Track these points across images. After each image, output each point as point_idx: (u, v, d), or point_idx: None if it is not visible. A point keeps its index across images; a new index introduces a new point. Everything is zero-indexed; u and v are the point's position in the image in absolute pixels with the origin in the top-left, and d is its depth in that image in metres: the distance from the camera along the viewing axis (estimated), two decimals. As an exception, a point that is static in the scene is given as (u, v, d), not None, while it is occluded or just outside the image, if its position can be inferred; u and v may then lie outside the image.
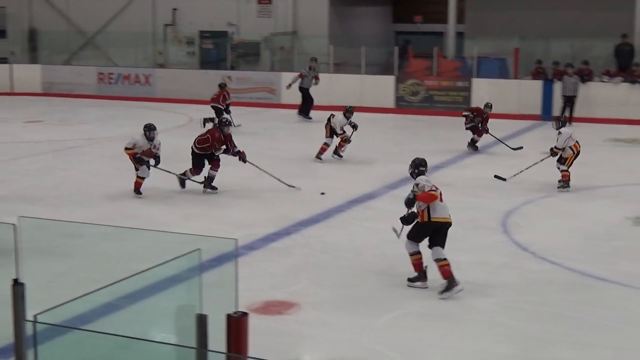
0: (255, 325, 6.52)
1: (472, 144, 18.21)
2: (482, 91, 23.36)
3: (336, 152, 17.18)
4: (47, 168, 16.33)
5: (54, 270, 9.62)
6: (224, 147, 14.33)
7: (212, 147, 14.21)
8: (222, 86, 21.44)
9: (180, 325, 6.05)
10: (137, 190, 13.86)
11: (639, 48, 23.60)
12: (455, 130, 19.36)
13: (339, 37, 27.13)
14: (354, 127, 17.14)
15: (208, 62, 28.51)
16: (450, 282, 9.20)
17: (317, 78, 23.03)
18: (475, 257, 10.68)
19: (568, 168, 14.26)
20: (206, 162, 14.34)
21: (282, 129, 21.70)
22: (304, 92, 23.15)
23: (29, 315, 5.17)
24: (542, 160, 14.76)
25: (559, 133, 14.30)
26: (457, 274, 9.90)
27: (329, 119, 17.10)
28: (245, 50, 28.00)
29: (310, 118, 22.75)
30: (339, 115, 17.10)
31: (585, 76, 22.64)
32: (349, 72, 25.46)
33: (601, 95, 22.50)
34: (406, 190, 14.25)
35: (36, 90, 28.24)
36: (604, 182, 14.99)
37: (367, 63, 24.92)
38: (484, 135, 18.06)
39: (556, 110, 22.38)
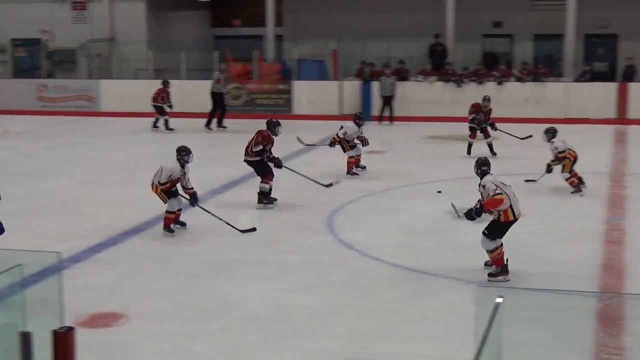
0: (83, 339, 6.37)
1: (469, 148, 17.48)
2: (303, 93, 23.68)
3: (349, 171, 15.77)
4: None
5: None
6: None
7: (264, 151, 13.27)
8: (165, 84, 21.65)
9: (3, 345, 5.84)
10: (168, 227, 11.83)
11: (452, 48, 24.49)
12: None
13: (158, 42, 26.88)
14: (364, 142, 15.80)
15: (21, 70, 27.59)
16: (503, 270, 9.63)
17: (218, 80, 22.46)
18: (302, 257, 10.78)
19: (570, 172, 14.00)
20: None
21: (102, 137, 21.27)
22: (218, 97, 22.32)
23: None
24: (542, 176, 14.57)
25: (552, 143, 14.01)
26: (283, 275, 10.00)
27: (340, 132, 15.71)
28: (61, 57, 27.27)
29: (225, 127, 22.07)
30: (347, 123, 15.98)
31: (402, 75, 23.30)
32: (170, 77, 25.23)
33: (417, 94, 23.22)
34: (232, 195, 14.34)
35: None
36: (422, 179, 15.44)
37: (188, 68, 24.77)
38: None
39: (375, 110, 22.91)
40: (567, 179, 14.04)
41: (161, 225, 11.94)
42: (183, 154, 11.90)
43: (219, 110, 22.14)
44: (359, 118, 15.93)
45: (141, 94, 24.06)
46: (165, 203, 11.80)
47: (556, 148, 14.00)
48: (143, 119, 22.84)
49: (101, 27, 27.43)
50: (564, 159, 13.99)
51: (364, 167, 16.15)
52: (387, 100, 22.71)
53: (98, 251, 11.12)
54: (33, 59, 27.64)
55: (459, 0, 24.29)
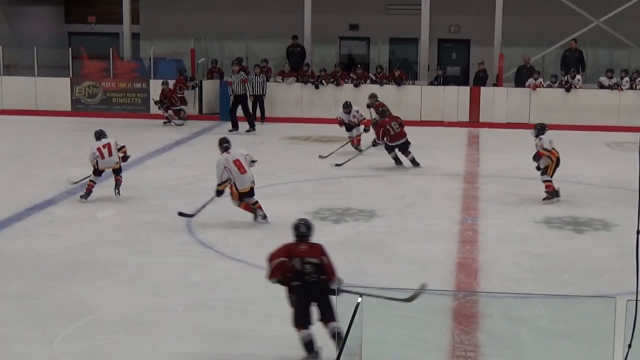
0: None
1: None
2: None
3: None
4: None
5: None
6: None
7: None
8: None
9: None
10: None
11: (309, 49, 24.67)
12: (136, 133, 19.21)
13: (7, 38, 26.01)
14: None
15: None
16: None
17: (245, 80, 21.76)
18: (161, 258, 10.64)
19: (551, 177, 13.71)
20: None
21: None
22: (243, 99, 21.53)
23: None
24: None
25: (540, 139, 13.62)
26: (142, 276, 9.85)
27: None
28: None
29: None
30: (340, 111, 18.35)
31: (267, 74, 23.27)
32: (21, 74, 24.48)
33: (277, 95, 23.26)
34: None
35: None
36: (280, 180, 15.49)
37: (40, 65, 24.09)
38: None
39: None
40: (544, 181, 13.71)
41: (12, 225, 11.60)
42: (225, 144, 12.16)
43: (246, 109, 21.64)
44: (346, 107, 18.32)
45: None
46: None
47: (542, 145, 13.56)
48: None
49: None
50: (547, 159, 13.64)
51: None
52: (258, 99, 22.51)
53: (-55, 254, 10.68)
54: None
55: (315, 2, 24.48)
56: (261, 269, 10.17)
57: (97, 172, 13.48)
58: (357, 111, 18.25)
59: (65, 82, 23.77)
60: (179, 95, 22.47)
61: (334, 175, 15.82)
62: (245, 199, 12.11)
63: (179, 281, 9.80)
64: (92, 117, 22.84)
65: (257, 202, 12.22)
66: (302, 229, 7.74)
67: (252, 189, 12.07)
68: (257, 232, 11.94)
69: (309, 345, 7.28)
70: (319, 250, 7.58)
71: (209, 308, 8.96)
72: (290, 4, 25.18)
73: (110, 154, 13.37)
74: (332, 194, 14.43)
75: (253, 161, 12.30)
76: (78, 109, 23.62)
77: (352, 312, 6.54)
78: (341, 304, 7.08)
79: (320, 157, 17.29)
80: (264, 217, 12.23)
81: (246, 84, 21.65)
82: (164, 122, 22.06)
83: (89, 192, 13.46)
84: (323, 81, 23.41)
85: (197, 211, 12.28)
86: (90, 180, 13.51)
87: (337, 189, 14.89)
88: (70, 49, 24.82)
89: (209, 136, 20.48)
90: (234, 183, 11.94)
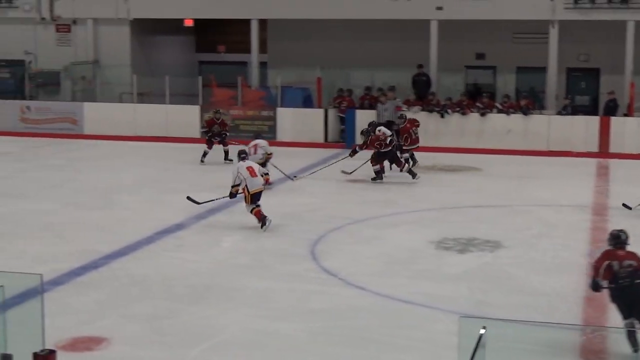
0: (64, 363, 6.32)
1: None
2: (287, 120, 23.71)
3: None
4: None
5: None
6: None
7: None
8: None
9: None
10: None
11: (435, 78, 24.61)
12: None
13: (142, 66, 26.85)
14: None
15: (4, 92, 27.48)
16: None
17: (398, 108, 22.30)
18: (285, 284, 10.76)
19: None
20: None
21: (84, 160, 21.17)
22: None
23: None
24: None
25: None
26: (265, 301, 9.98)
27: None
28: (45, 79, 27.20)
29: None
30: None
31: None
32: (154, 102, 25.23)
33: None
34: (215, 220, 14.31)
35: None
36: (405, 209, 15.45)
37: (172, 93, 24.77)
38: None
39: (360, 139, 22.89)
40: None
41: (142, 248, 11.95)
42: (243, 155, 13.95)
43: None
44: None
45: (124, 118, 24.06)
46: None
47: None
48: (126, 143, 22.85)
49: (85, 50, 27.38)
50: None
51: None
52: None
53: (79, 274, 11.05)
54: (16, 81, 27.56)
55: (442, 31, 24.44)
56: (384, 298, 10.22)
57: (234, 195, 13.80)
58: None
59: (195, 109, 24.36)
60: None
61: (459, 204, 15.69)
62: (256, 202, 13.44)
63: (302, 307, 9.89)
64: (220, 144, 23.28)
65: (255, 207, 13.51)
66: (623, 237, 8.68)
67: (261, 192, 13.56)
68: (380, 261, 11.95)
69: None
70: (636, 256, 8.45)
71: (331, 335, 9.01)
72: (416, 33, 25.20)
73: (255, 176, 13.61)
74: (457, 224, 14.32)
75: (266, 173, 14.29)
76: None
77: (475, 343, 6.47)
78: (463, 336, 7.01)
79: (343, 172, 18.18)
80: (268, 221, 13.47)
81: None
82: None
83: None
84: (448, 110, 23.30)
85: (205, 201, 14.35)
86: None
87: (462, 219, 14.77)
88: (200, 77, 25.44)
89: (334, 164, 20.64)
90: (246, 185, 13.35)
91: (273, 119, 24.05)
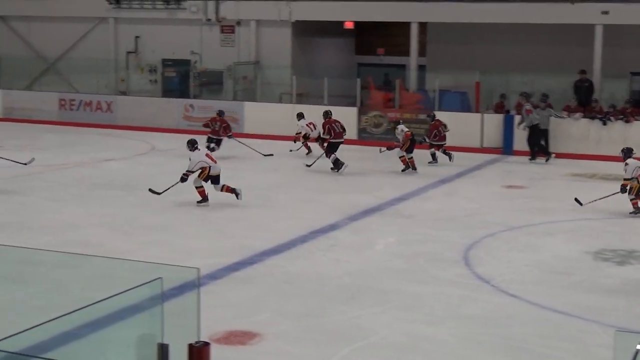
0: (217, 355, 6.46)
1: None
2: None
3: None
4: (6, 194, 16.13)
5: (11, 297, 9.48)
6: None
7: None
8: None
9: (141, 355, 5.98)
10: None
11: (598, 84, 23.91)
12: (418, 163, 19.46)
13: (301, 67, 27.22)
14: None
15: (170, 90, 28.44)
16: None
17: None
18: (436, 289, 10.69)
19: (636, 197, 15.02)
20: None
21: (244, 159, 21.58)
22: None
23: (-15, 343, 5.08)
24: (613, 194, 15.26)
25: (626, 164, 15.14)
26: (417, 305, 9.94)
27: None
28: (208, 79, 27.96)
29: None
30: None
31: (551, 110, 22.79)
32: (312, 102, 25.50)
33: (561, 130, 22.72)
34: (369, 222, 14.35)
35: (-5, 115, 28.01)
36: (563, 217, 15.09)
37: (330, 94, 25.00)
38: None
39: (518, 144, 22.52)
40: (632, 200, 15.06)
41: (297, 247, 12.11)
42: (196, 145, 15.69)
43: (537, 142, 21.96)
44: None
45: (283, 118, 24.43)
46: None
47: (626, 169, 15.09)
48: (284, 142, 23.19)
49: (248, 51, 27.99)
50: (634, 181, 14.92)
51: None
52: (543, 134, 22.14)
53: (236, 270, 11.31)
54: (182, 80, 28.47)
55: (607, 35, 23.73)
56: (538, 307, 10.00)
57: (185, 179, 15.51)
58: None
59: (353, 111, 24.50)
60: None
61: (619, 215, 15.19)
62: (215, 182, 15.34)
63: (453, 312, 9.80)
64: (377, 147, 23.35)
65: (224, 185, 15.44)
66: None
67: (219, 175, 15.36)
68: (535, 269, 11.70)
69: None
70: None
71: (482, 342, 8.89)
72: (579, 37, 24.57)
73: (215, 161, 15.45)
74: (618, 234, 13.89)
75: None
76: (364, 138, 24.25)
77: (631, 358, 6.25)
78: (619, 350, 6.78)
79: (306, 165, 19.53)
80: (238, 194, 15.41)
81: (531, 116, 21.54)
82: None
83: None
84: (611, 117, 22.60)
85: (164, 190, 15.45)
86: None
87: (623, 229, 14.30)
88: (358, 79, 25.57)
89: (490, 169, 20.39)
90: (209, 167, 15.20)
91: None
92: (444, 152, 20.87)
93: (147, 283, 6.15)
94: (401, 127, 19.82)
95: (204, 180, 15.28)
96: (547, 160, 21.40)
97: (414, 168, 19.28)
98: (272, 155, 20.70)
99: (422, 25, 26.68)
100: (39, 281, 10.04)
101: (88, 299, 6.21)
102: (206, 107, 25.82)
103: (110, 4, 29.14)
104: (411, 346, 8.68)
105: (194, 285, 7.93)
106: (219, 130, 21.09)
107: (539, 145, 21.79)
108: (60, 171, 18.56)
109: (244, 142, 21.13)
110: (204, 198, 15.29)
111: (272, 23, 27.54)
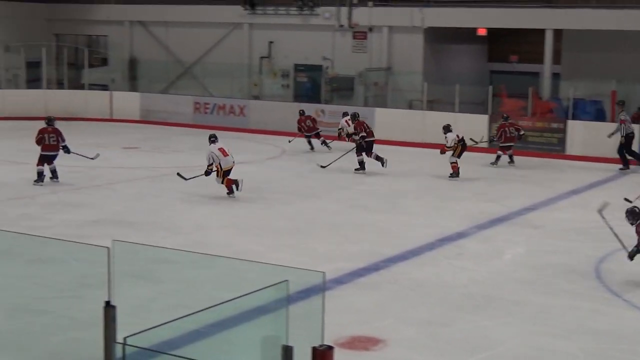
0: (340, 359, 6.50)
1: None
2: (578, 133, 23.01)
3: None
4: (141, 194, 16.63)
5: (144, 294, 9.76)
6: None
7: None
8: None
9: (266, 356, 6.06)
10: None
11: None
12: (550, 172, 19.11)
13: (432, 74, 27.09)
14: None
15: (302, 95, 28.76)
16: None
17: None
18: (566, 301, 10.47)
19: None
20: None
21: (371, 164, 21.61)
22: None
23: (119, 338, 5.24)
24: None
25: None
26: (545, 317, 9.76)
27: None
28: (339, 84, 28.14)
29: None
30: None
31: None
32: (442, 109, 25.34)
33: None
34: (497, 231, 14.18)
35: (134, 117, 28.85)
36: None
37: (461, 101, 24.79)
38: None
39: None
40: None
41: (423, 254, 12.07)
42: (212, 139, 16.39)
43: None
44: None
45: (413, 124, 24.37)
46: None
47: None
48: (414, 149, 23.16)
49: (379, 57, 28.05)
50: None
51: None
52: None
53: (361, 275, 11.35)
54: (313, 85, 28.76)
55: None
56: (672, 324, 9.67)
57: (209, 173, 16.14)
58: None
59: (484, 119, 24.22)
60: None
61: None
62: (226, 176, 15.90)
63: (582, 326, 9.58)
64: (505, 154, 23.02)
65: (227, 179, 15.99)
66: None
67: (232, 168, 16.04)
68: (671, 284, 11.33)
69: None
70: None
71: (611, 358, 8.67)
72: None
73: (226, 155, 16.11)
74: None
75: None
76: (494, 145, 23.92)
77: None
78: None
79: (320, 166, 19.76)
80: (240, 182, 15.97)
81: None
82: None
83: None
84: None
85: (191, 177, 16.49)
86: None
87: None
88: (490, 86, 25.26)
89: (625, 180, 19.83)
90: (220, 163, 15.82)
91: (563, 131, 23.43)
92: (510, 159, 21.25)
93: (273, 285, 6.23)
94: (450, 135, 19.32)
95: (222, 176, 15.95)
96: None
97: (456, 174, 19.05)
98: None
99: (557, 32, 26.17)
100: (170, 280, 10.30)
101: (217, 298, 6.32)
102: (336, 112, 25.97)
103: (246, 9, 29.69)
104: (537, 359, 8.53)
105: (319, 289, 7.99)
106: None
107: (632, 154, 21.07)
108: (194, 173, 18.98)
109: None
110: (230, 190, 16.02)
111: (404, 29, 27.53)
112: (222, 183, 16.00)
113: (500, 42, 30.33)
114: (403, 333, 9.18)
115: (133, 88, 31.07)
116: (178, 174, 16.75)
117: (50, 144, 17.02)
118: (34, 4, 32.75)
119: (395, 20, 27.62)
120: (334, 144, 22.76)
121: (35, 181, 16.86)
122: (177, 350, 6.87)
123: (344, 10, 27.88)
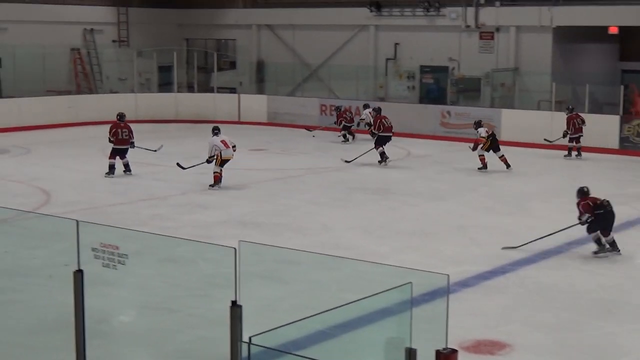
0: (464, 363, 6.47)
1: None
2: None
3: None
4: (268, 195, 16.87)
5: (270, 294, 9.91)
6: None
7: None
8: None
9: (390, 358, 6.08)
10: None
11: None
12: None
13: (561, 74, 26.55)
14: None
15: (427, 96, 28.64)
16: None
17: None
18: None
19: None
20: None
21: (497, 166, 21.37)
22: None
23: (245, 337, 5.35)
24: None
25: None
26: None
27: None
28: (466, 85, 27.88)
29: None
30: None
31: None
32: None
33: None
34: (627, 234, 13.80)
35: (261, 119, 29.30)
36: None
37: (590, 101, 24.23)
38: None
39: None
40: None
41: (551, 258, 11.85)
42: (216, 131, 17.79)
43: None
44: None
45: (541, 125, 23.93)
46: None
47: None
48: (541, 151, 22.78)
49: (506, 57, 27.64)
50: None
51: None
52: None
53: (487, 278, 11.24)
54: (439, 86, 28.60)
55: None
56: None
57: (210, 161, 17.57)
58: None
59: (615, 119, 23.60)
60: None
61: None
62: (222, 166, 17.27)
63: None
64: (639, 157, 22.42)
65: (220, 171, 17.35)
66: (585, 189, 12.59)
67: (229, 160, 17.36)
68: None
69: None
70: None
71: None
72: None
73: (227, 147, 17.41)
74: None
75: (234, 145, 17.52)
76: (625, 147, 23.30)
77: None
78: None
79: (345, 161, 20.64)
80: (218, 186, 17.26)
81: None
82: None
83: None
84: None
85: (190, 166, 18.11)
86: None
87: None
88: (622, 86, 24.58)
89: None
90: (220, 152, 17.14)
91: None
92: (577, 151, 21.90)
93: (397, 287, 6.24)
94: (482, 129, 20.03)
95: (220, 165, 17.23)
96: None
97: (485, 167, 19.76)
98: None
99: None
100: (296, 280, 10.43)
101: (341, 299, 6.39)
102: (463, 113, 25.78)
103: (372, 11, 29.74)
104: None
105: (444, 291, 7.97)
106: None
107: None
108: (320, 175, 19.15)
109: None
110: (216, 182, 17.24)
111: (532, 29, 27.07)
112: (218, 172, 17.27)
113: (633, 40, 29.47)
114: (529, 338, 9.04)
115: (260, 91, 31.54)
116: (177, 163, 18.18)
117: (123, 138, 18.64)
118: (166, 10, 33.63)
119: (522, 19, 27.19)
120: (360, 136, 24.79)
121: (106, 173, 18.32)
122: (302, 350, 6.96)
123: (471, 10, 27.61)
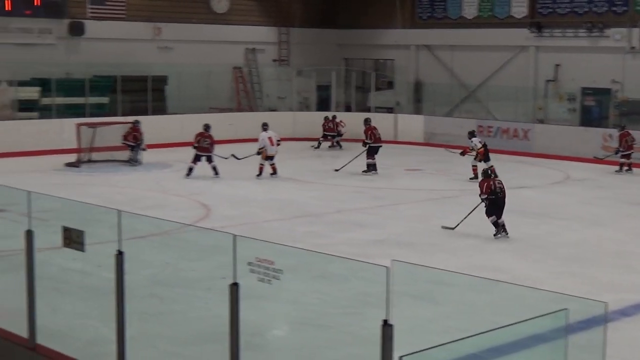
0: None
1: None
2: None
3: None
4: (423, 216, 16.82)
5: (421, 315, 9.88)
6: None
7: None
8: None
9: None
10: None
11: None
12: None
13: None
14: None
15: (589, 119, 27.94)
16: None
17: None
18: None
19: None
20: None
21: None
22: None
23: (395, 357, 5.36)
24: None
25: None
26: None
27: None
28: (630, 108, 27.05)
29: None
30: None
31: None
32: None
33: None
34: None
35: (418, 139, 29.29)
36: None
37: None
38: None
39: None
40: None
41: None
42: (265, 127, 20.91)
43: None
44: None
45: None
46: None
47: None
48: None
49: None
50: None
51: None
52: None
53: (647, 308, 10.86)
54: (601, 109, 27.85)
55: None
56: None
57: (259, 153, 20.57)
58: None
59: None
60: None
61: None
62: (269, 160, 20.39)
63: None
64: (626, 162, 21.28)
65: (273, 163, 20.56)
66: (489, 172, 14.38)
67: (274, 156, 20.40)
68: None
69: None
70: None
71: None
72: None
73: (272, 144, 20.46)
74: None
75: (278, 141, 20.55)
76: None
77: None
78: None
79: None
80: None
81: None
82: None
83: None
84: None
85: (244, 157, 20.97)
86: None
87: None
88: None
89: None
90: (266, 149, 20.14)
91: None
92: (628, 167, 22.52)
93: (551, 313, 6.12)
94: (476, 139, 21.13)
95: (265, 159, 20.37)
96: None
97: (476, 177, 19.98)
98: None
99: None
100: (448, 302, 10.35)
101: (494, 323, 6.31)
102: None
103: (532, 32, 29.31)
104: None
105: (601, 319, 7.73)
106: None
107: None
108: (476, 196, 18.94)
109: None
110: (260, 173, 20.54)
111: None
112: (261, 164, 20.36)
113: None
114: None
115: (417, 111, 31.55)
116: (232, 154, 21.07)
117: (204, 146, 20.94)
118: (326, 30, 34.13)
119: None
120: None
121: (186, 175, 20.71)
122: (453, 372, 6.91)
123: (636, 31, 26.82)
